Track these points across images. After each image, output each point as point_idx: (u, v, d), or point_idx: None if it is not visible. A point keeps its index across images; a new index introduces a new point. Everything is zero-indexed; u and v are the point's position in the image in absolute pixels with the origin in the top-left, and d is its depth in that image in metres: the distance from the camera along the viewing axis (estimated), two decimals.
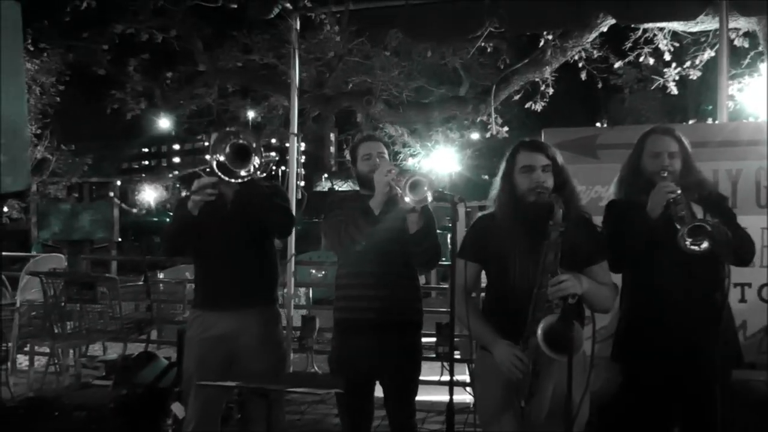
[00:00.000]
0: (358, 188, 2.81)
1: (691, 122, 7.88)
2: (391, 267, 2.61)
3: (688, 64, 6.01)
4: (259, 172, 2.43)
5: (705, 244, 2.13)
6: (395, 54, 6.95)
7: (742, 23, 5.05)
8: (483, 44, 5.48)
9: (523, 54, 6.00)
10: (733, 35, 5.42)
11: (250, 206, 2.62)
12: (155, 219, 22.21)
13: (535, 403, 2.09)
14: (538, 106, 6.20)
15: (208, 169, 2.64)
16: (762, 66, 5.37)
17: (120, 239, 11.74)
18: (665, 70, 6.07)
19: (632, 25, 5.51)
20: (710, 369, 2.27)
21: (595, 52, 5.96)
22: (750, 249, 2.40)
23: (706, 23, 5.11)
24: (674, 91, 6.20)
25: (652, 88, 6.30)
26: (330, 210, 2.68)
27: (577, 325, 1.88)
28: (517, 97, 6.10)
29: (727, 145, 3.72)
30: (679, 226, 2.17)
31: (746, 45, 5.47)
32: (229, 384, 2.27)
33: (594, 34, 5.33)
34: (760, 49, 5.37)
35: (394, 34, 5.75)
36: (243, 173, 2.43)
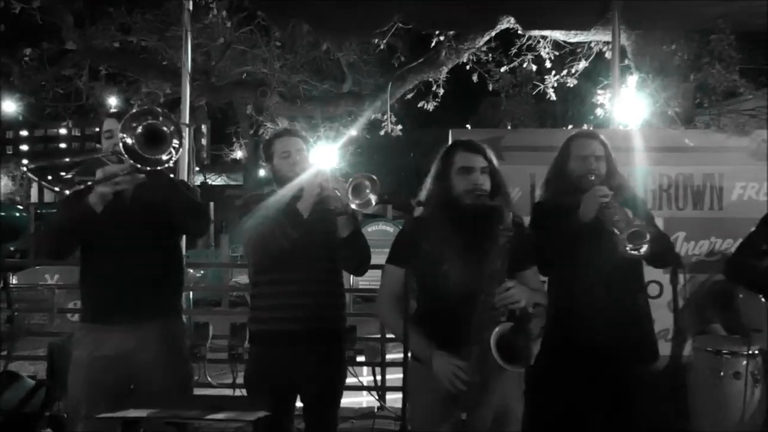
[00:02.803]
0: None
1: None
2: (316, 273, 2.44)
3: (565, 72, 6.40)
4: (172, 162, 2.13)
5: (644, 248, 2.20)
6: (280, 45, 6.67)
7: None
8: (377, 41, 5.41)
9: (414, 53, 6.01)
10: (604, 48, 5.86)
11: (156, 201, 2.28)
12: (1, 213, 19.64)
13: (479, 415, 2.03)
14: (430, 106, 6.24)
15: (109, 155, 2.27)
16: (630, 78, 5.83)
17: None
18: (546, 77, 6.40)
19: (519, 32, 5.76)
20: (632, 365, 2.37)
21: (482, 56, 6.13)
22: (673, 251, 2.53)
23: (584, 35, 5.49)
24: (553, 97, 6.56)
25: (534, 93, 6.62)
26: (250, 212, 2.43)
27: (532, 334, 1.83)
28: (409, 96, 6.11)
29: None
30: (617, 231, 2.21)
31: None
32: (135, 415, 1.95)
33: (486, 38, 5.48)
34: (627, 62, 5.85)
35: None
36: (164, 157, 2.10)
